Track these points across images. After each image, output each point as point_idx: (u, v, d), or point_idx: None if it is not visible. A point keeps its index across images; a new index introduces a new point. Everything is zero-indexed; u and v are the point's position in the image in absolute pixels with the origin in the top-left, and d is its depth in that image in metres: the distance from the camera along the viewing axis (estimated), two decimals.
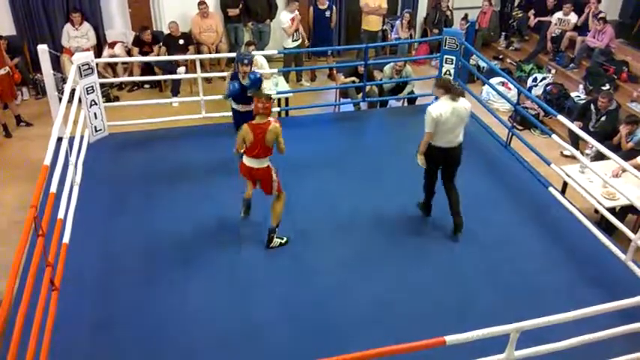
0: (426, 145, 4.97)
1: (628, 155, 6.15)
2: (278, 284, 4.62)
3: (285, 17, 9.10)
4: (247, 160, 4.79)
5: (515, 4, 11.30)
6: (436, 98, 5.02)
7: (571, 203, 5.52)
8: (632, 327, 3.75)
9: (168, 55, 8.85)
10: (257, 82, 5.58)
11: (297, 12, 9.15)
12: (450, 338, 3.22)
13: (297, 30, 9.20)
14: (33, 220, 3.74)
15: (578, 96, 8.69)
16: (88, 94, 6.28)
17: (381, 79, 8.16)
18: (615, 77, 8.82)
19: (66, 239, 4.72)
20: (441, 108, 4.84)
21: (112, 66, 9.26)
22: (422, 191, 5.39)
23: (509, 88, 8.72)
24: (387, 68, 8.06)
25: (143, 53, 9.06)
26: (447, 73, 7.44)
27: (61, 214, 4.66)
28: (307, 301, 4.47)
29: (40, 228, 3.83)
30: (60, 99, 5.87)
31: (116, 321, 4.24)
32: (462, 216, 5.14)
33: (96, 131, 6.54)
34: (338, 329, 4.22)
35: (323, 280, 4.68)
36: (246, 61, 5.50)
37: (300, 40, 9.27)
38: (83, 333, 4.11)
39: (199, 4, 9.25)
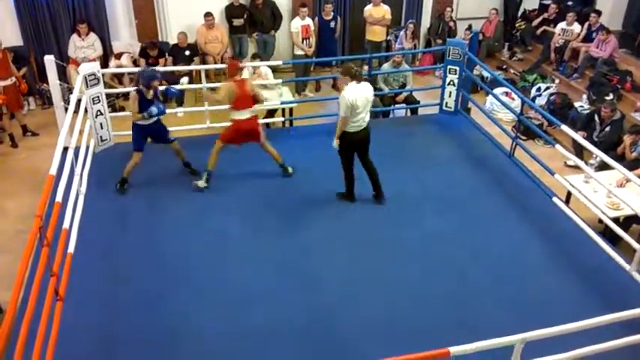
0: (342, 129, 5.31)
1: (632, 165, 6.15)
2: (283, 296, 4.61)
3: (295, 23, 9.25)
4: (239, 114, 5.74)
5: (519, 14, 11.38)
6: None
7: (575, 213, 5.51)
8: (637, 338, 3.72)
9: (174, 65, 8.90)
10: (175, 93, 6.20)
11: (309, 20, 9.23)
12: (455, 349, 3.20)
13: (307, 39, 9.26)
14: (38, 229, 3.76)
15: (582, 106, 8.70)
16: (94, 104, 6.32)
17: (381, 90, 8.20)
18: (619, 87, 8.82)
19: (71, 249, 4.73)
20: (354, 93, 5.20)
21: (119, 76, 9.33)
22: (344, 182, 5.70)
23: (513, 99, 8.73)
24: (385, 65, 8.20)
25: (149, 65, 9.11)
26: (451, 83, 7.46)
27: (66, 224, 4.67)
28: (312, 311, 4.45)
29: (45, 237, 3.85)
30: (66, 109, 5.90)
31: (120, 331, 4.24)
32: (382, 188, 5.69)
33: (102, 141, 6.58)
34: (342, 340, 4.21)
35: (328, 291, 4.66)
36: (159, 76, 5.79)
37: (311, 49, 9.35)
38: (87, 343, 4.11)
39: (205, 15, 9.32)
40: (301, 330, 4.29)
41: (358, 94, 5.22)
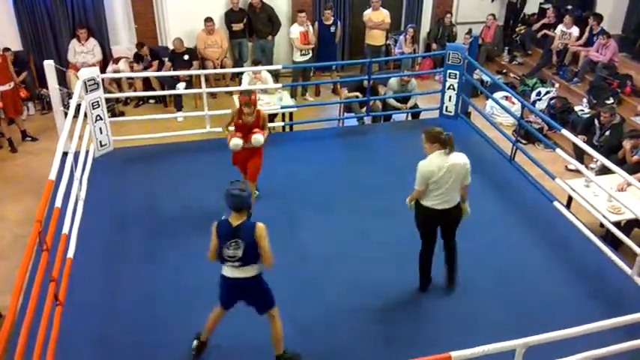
0: (414, 198, 4.43)
1: (634, 169, 6.13)
2: (285, 303, 4.54)
3: (294, 29, 9.26)
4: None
5: (519, 18, 11.39)
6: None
7: (576, 217, 5.50)
8: (639, 342, 3.71)
9: (174, 70, 8.91)
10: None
11: (309, 26, 9.24)
12: (456, 354, 3.18)
13: (307, 44, 9.28)
14: (37, 234, 3.75)
15: (582, 110, 8.70)
16: (93, 109, 6.32)
17: (384, 93, 8.19)
18: (619, 91, 8.83)
19: (70, 254, 4.72)
20: (431, 164, 4.20)
21: (117, 81, 9.33)
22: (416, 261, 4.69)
23: (513, 103, 8.73)
24: (392, 81, 8.12)
25: (146, 69, 9.12)
26: (451, 87, 7.46)
27: (65, 229, 4.66)
28: (310, 319, 4.42)
29: (45, 243, 3.84)
30: (65, 114, 5.90)
31: (120, 336, 4.22)
32: (457, 271, 4.71)
33: (101, 146, 6.57)
34: (345, 345, 4.19)
35: (327, 299, 4.63)
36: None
37: (309, 56, 9.36)
38: (87, 348, 4.09)
39: (206, 20, 9.33)
40: (300, 339, 4.24)
41: (437, 168, 4.18)
